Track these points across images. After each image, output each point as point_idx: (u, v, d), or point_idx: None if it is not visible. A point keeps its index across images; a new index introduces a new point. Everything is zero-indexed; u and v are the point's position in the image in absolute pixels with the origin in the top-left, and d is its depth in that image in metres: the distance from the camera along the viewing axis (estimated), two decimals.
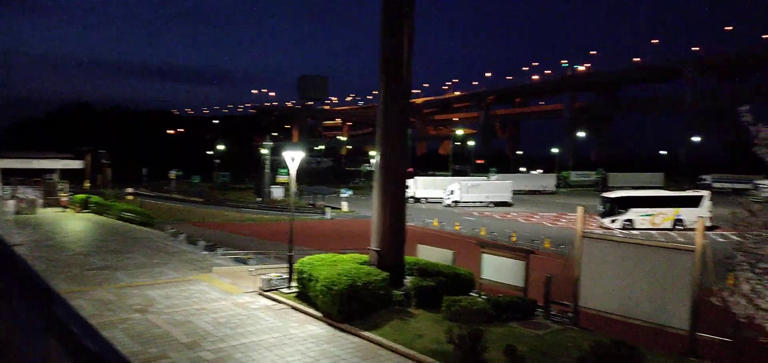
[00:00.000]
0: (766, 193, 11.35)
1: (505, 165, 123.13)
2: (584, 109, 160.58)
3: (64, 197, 41.86)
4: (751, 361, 11.95)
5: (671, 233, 40.85)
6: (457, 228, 42.77)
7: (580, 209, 15.28)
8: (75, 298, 15.89)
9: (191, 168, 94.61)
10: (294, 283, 16.85)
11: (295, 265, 16.77)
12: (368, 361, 11.88)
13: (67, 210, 39.77)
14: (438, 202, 63.67)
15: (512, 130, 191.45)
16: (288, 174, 18.67)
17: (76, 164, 49.13)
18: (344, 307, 13.93)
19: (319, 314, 14.63)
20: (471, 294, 16.28)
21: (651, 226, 42.47)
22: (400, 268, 16.64)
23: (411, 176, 65.60)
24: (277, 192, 66.95)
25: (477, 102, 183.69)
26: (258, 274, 18.46)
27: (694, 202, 43.53)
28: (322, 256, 17.29)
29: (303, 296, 15.95)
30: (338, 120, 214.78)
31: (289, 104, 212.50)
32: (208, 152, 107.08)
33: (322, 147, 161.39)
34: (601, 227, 41.85)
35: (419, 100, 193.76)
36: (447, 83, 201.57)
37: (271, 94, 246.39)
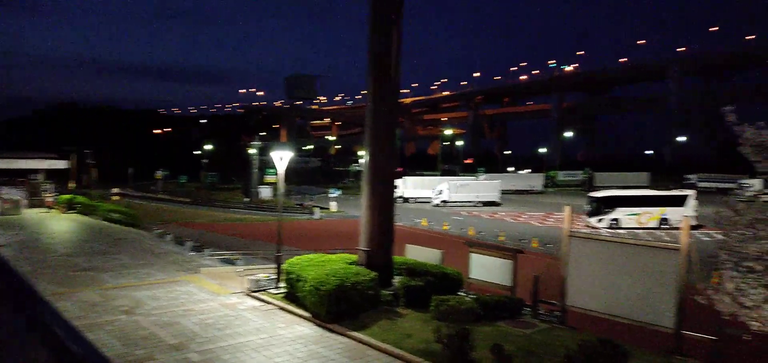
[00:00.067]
0: (751, 192, 11.47)
1: (493, 165, 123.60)
2: (572, 109, 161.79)
3: (49, 198, 41.37)
4: (736, 358, 12.11)
5: (657, 232, 41.27)
6: (445, 228, 42.87)
7: (567, 209, 15.38)
8: (60, 299, 15.72)
9: (178, 168, 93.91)
10: (282, 284, 16.79)
11: (284, 266, 16.70)
12: (356, 361, 11.87)
13: (52, 211, 39.31)
14: (427, 201, 63.77)
15: (500, 130, 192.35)
16: (276, 174, 18.58)
17: (61, 164, 48.57)
18: (333, 307, 13.90)
19: (307, 315, 14.59)
20: (459, 293, 16.32)
21: (637, 226, 42.89)
22: (388, 268, 16.64)
23: (400, 176, 65.67)
24: (265, 192, 66.68)
25: (465, 102, 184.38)
26: (246, 274, 18.36)
27: (680, 201, 44.01)
28: (311, 256, 17.24)
29: (291, 297, 15.89)
30: (327, 120, 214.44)
31: (277, 104, 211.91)
32: (195, 152, 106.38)
33: (311, 147, 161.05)
34: (588, 226, 42.17)
35: (408, 100, 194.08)
36: (436, 83, 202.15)
37: (259, 93, 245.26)
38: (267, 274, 17.64)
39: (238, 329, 13.63)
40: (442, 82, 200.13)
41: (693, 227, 19.00)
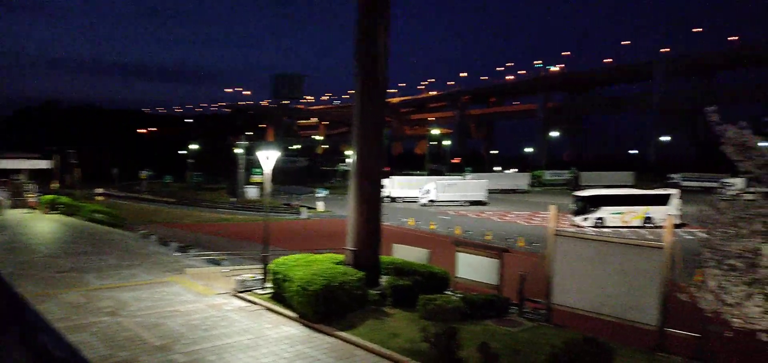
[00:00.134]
0: (733, 191, 11.62)
1: (480, 164, 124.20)
2: (557, 109, 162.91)
3: (31, 198, 40.81)
4: (719, 355, 12.26)
5: (641, 231, 41.71)
6: (432, 227, 42.95)
7: (552, 208, 15.48)
8: (43, 301, 15.51)
9: (163, 168, 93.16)
10: (269, 284, 16.70)
11: (270, 266, 16.62)
12: (343, 361, 11.85)
13: (35, 211, 38.77)
14: (414, 201, 63.85)
15: (487, 130, 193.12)
16: (262, 173, 18.47)
17: (44, 164, 48.00)
18: (320, 307, 13.86)
19: (294, 315, 14.53)
20: (446, 292, 16.36)
21: (622, 224, 43.30)
22: (376, 268, 16.63)
23: (387, 176, 65.68)
24: (251, 192, 66.35)
25: (452, 102, 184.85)
26: (232, 275, 18.27)
27: (663, 200, 44.51)
28: (298, 256, 17.17)
29: (278, 297, 15.82)
30: (314, 119, 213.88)
31: (264, 103, 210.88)
32: (180, 152, 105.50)
33: (298, 146, 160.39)
34: (574, 225, 42.50)
35: (395, 100, 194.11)
36: (423, 83, 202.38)
37: (245, 92, 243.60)
38: (253, 275, 17.55)
39: (224, 330, 13.54)
40: (430, 82, 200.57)
41: (676, 226, 19.21)
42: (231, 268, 20.73)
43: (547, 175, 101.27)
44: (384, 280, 16.33)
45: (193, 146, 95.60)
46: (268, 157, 17.84)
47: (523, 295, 15.94)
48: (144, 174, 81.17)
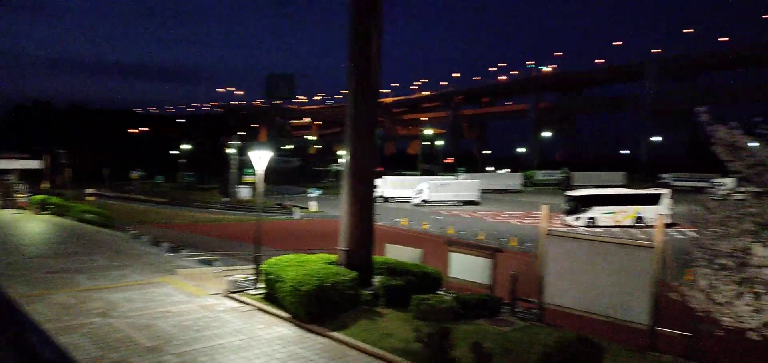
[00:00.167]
0: (723, 191, 11.70)
1: (472, 164, 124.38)
2: (549, 109, 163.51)
3: (21, 198, 40.49)
4: (709, 354, 12.34)
5: (633, 230, 41.93)
6: (425, 227, 42.99)
7: (544, 208, 15.53)
8: (33, 302, 15.37)
9: (155, 168, 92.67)
10: (261, 285, 16.65)
11: (263, 266, 16.56)
12: (336, 361, 11.83)
13: (25, 212, 38.45)
14: (407, 201, 63.85)
15: (479, 130, 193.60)
16: (255, 174, 18.41)
17: (34, 164, 47.63)
18: (312, 307, 13.83)
19: (286, 315, 14.49)
20: (439, 292, 16.38)
21: (613, 224, 43.51)
22: (368, 268, 16.62)
23: (380, 175, 65.66)
24: (243, 192, 66.10)
25: (445, 102, 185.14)
26: (224, 275, 18.20)
27: (655, 200, 44.76)
28: (290, 256, 17.13)
29: (270, 297, 15.77)
30: (307, 119, 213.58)
31: (256, 103, 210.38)
32: (172, 152, 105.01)
33: (291, 146, 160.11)
34: (566, 225, 42.67)
35: (388, 100, 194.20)
36: (416, 83, 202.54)
37: (238, 92, 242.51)
38: (245, 275, 17.49)
39: (216, 331, 13.48)
40: (423, 82, 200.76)
41: (667, 225, 19.33)
42: (223, 268, 20.65)
43: (540, 175, 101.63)
44: (377, 280, 16.32)
45: (185, 146, 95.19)
46: (261, 157, 17.78)
47: (516, 295, 15.98)
48: (135, 174, 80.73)
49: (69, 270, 20.02)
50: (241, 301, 16.08)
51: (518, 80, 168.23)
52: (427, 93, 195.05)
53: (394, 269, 16.61)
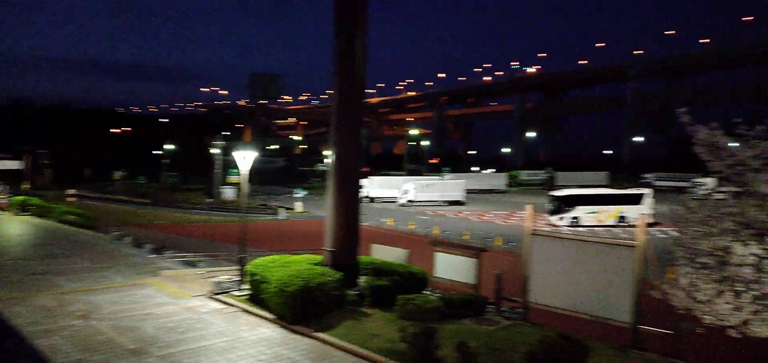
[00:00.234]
0: (704, 190, 11.89)
1: (458, 165, 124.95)
2: (534, 110, 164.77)
3: (2, 199, 39.86)
4: (690, 350, 12.52)
5: (616, 230, 42.41)
6: (411, 227, 43.06)
7: (529, 208, 15.63)
8: (13, 305, 15.12)
9: (137, 168, 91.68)
10: (246, 286, 16.53)
11: (247, 267, 16.45)
12: (322, 362, 11.79)
13: (5, 213, 37.83)
14: (392, 201, 63.94)
15: (465, 131, 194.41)
16: (239, 174, 18.29)
17: (14, 165, 46.98)
18: (297, 308, 13.76)
19: (271, 317, 14.41)
20: (424, 292, 16.39)
21: (596, 223, 43.97)
22: (354, 268, 16.59)
23: (366, 176, 65.70)
24: (228, 192, 65.68)
25: (431, 102, 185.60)
26: (208, 277, 18.06)
27: (637, 199, 45.32)
28: (275, 257, 17.03)
29: (255, 299, 15.67)
30: (292, 119, 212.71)
31: (241, 103, 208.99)
32: (155, 152, 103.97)
33: (276, 146, 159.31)
34: (550, 225, 43.02)
35: (374, 100, 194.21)
36: (401, 83, 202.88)
37: (222, 92, 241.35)
38: (230, 276, 17.36)
39: (200, 333, 13.36)
40: (408, 83, 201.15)
41: (649, 225, 19.60)
42: (207, 269, 20.49)
43: (524, 175, 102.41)
44: (362, 280, 16.30)
45: (169, 146, 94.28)
46: (245, 158, 17.66)
47: (501, 294, 16.07)
48: (117, 174, 79.82)
49: (50, 272, 19.72)
50: (225, 303, 15.96)
51: (503, 81, 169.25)
52: (413, 93, 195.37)
53: (379, 269, 16.60)
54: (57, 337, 12.66)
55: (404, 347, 11.35)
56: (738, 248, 8.74)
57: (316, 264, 16.05)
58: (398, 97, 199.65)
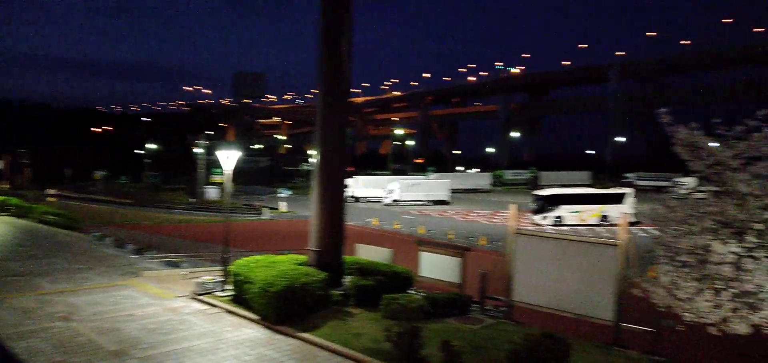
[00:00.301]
0: (684, 190, 12.08)
1: (443, 164, 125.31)
2: (518, 110, 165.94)
3: None
4: (671, 347, 12.69)
5: (598, 229, 42.84)
6: (396, 227, 43.08)
7: (513, 207, 15.72)
8: None
9: (119, 168, 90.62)
10: (229, 286, 16.41)
11: (231, 268, 16.33)
12: (306, 362, 11.75)
13: None
14: (377, 201, 63.92)
15: (450, 130, 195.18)
16: (223, 174, 18.15)
17: None
18: (281, 309, 13.69)
19: (255, 317, 14.32)
20: (409, 292, 16.41)
21: (579, 222, 44.38)
22: (339, 268, 16.55)
23: (351, 175, 65.58)
24: (211, 192, 65.15)
25: (416, 102, 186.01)
26: (191, 277, 17.89)
27: (619, 199, 45.84)
28: (259, 257, 16.93)
29: (239, 299, 15.56)
30: (276, 118, 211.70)
31: (224, 102, 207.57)
32: (137, 151, 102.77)
33: (260, 146, 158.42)
34: (534, 224, 43.34)
35: (359, 100, 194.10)
36: (386, 83, 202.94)
37: (205, 91, 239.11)
38: (213, 277, 17.21)
39: (183, 334, 13.23)
40: (393, 83, 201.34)
41: (631, 224, 19.82)
42: (190, 270, 20.30)
43: (508, 174, 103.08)
44: (347, 280, 16.27)
45: (151, 146, 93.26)
46: (229, 157, 17.53)
47: (485, 293, 16.14)
48: (98, 174, 78.78)
49: (30, 273, 19.40)
50: (208, 304, 15.82)
51: (487, 81, 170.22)
52: (398, 93, 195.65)
53: (364, 269, 16.58)
54: (37, 339, 12.46)
55: (389, 347, 11.35)
56: (717, 247, 8.87)
57: (300, 264, 15.99)
58: (383, 96, 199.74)
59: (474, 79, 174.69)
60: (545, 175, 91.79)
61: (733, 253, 8.77)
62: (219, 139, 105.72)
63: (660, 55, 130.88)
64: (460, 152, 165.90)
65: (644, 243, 13.13)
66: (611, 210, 44.41)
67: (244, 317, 14.54)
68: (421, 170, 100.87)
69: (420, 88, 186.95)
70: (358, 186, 66.99)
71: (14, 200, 38.57)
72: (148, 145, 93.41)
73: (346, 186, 18.27)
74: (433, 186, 66.22)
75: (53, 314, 14.45)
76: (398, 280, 16.55)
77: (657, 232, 10.00)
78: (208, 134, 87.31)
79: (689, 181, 30.88)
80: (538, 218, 44.93)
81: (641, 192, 51.88)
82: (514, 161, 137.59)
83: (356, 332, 13.21)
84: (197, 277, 17.33)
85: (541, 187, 62.47)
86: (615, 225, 40.27)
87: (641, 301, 10.61)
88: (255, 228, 42.92)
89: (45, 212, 34.93)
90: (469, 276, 16.65)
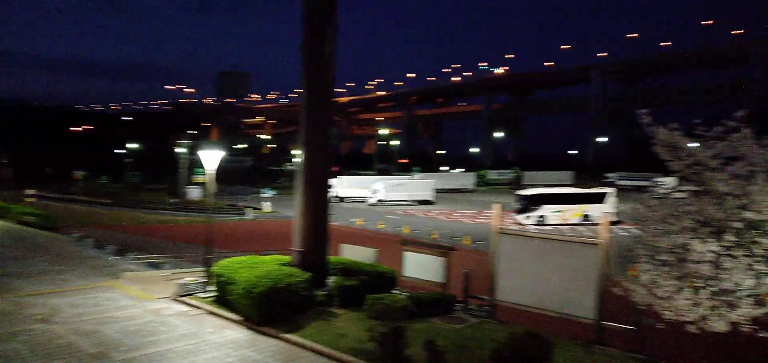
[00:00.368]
0: (664, 189, 12.26)
1: (427, 164, 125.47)
2: (502, 110, 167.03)
3: None
4: (651, 345, 12.85)
5: (580, 228, 43.27)
6: (380, 226, 43.08)
7: (496, 207, 15.81)
8: None
9: (100, 168, 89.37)
10: (212, 288, 16.27)
11: (213, 269, 16.19)
12: None
13: None
14: (362, 201, 63.88)
15: (434, 130, 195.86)
16: (206, 173, 17.98)
17: None
18: (265, 309, 13.61)
19: (238, 318, 14.22)
20: (393, 292, 16.42)
21: (562, 222, 44.77)
22: (323, 268, 16.50)
23: (335, 175, 65.48)
24: (194, 192, 64.53)
25: (400, 102, 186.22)
26: (173, 278, 17.70)
27: (600, 198, 46.33)
28: (242, 258, 16.81)
29: (221, 300, 15.44)
30: (260, 118, 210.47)
31: (207, 101, 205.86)
32: (118, 151, 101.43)
33: (244, 146, 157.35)
34: (517, 223, 43.64)
35: (344, 99, 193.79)
36: (371, 83, 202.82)
37: (188, 90, 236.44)
38: (195, 278, 17.04)
39: (164, 336, 13.08)
40: (378, 83, 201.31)
41: (612, 223, 20.04)
42: (172, 271, 20.08)
43: (492, 174, 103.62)
44: (331, 280, 16.23)
45: (132, 145, 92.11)
46: (211, 157, 17.38)
47: (469, 293, 16.21)
48: (79, 174, 77.51)
49: (8, 274, 19.04)
50: (190, 305, 15.67)
51: (471, 81, 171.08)
52: (383, 93, 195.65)
53: (349, 269, 16.56)
54: (15, 342, 12.24)
55: (373, 347, 11.35)
56: (697, 246, 8.99)
57: (284, 264, 15.91)
58: (368, 96, 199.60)
59: (458, 79, 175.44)
60: (528, 175, 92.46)
61: (712, 251, 8.89)
62: (202, 139, 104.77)
63: (641, 56, 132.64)
64: (444, 152, 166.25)
65: (625, 242, 13.27)
66: (593, 209, 44.87)
67: (227, 318, 14.43)
68: (405, 170, 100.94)
69: (405, 88, 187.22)
70: (342, 186, 66.88)
71: None
72: (129, 145, 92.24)
73: (330, 186, 18.23)
74: (417, 186, 66.34)
75: (32, 316, 14.21)
76: (382, 280, 16.56)
77: (638, 232, 10.11)
78: (190, 133, 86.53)
79: (669, 181, 31.30)
80: (521, 218, 45.24)
81: (622, 192, 52.49)
82: (498, 161, 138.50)
83: (340, 333, 13.18)
84: (179, 279, 17.16)
85: (525, 187, 62.90)
86: (597, 224, 40.74)
87: (622, 299, 10.72)
88: (238, 228, 42.61)
89: (23, 212, 34.38)
90: (453, 276, 16.71)
